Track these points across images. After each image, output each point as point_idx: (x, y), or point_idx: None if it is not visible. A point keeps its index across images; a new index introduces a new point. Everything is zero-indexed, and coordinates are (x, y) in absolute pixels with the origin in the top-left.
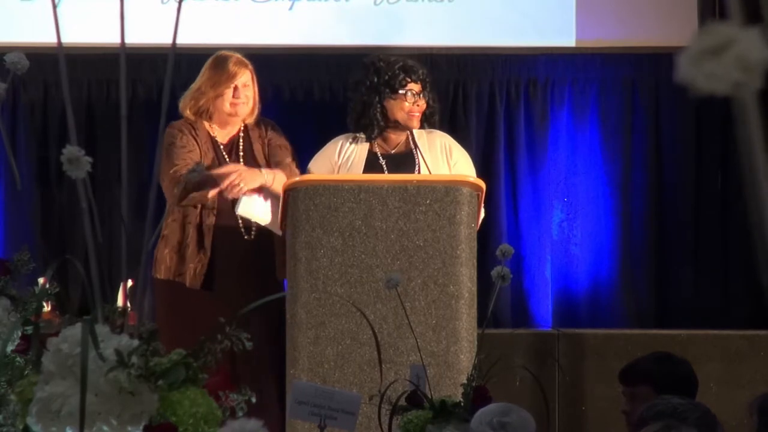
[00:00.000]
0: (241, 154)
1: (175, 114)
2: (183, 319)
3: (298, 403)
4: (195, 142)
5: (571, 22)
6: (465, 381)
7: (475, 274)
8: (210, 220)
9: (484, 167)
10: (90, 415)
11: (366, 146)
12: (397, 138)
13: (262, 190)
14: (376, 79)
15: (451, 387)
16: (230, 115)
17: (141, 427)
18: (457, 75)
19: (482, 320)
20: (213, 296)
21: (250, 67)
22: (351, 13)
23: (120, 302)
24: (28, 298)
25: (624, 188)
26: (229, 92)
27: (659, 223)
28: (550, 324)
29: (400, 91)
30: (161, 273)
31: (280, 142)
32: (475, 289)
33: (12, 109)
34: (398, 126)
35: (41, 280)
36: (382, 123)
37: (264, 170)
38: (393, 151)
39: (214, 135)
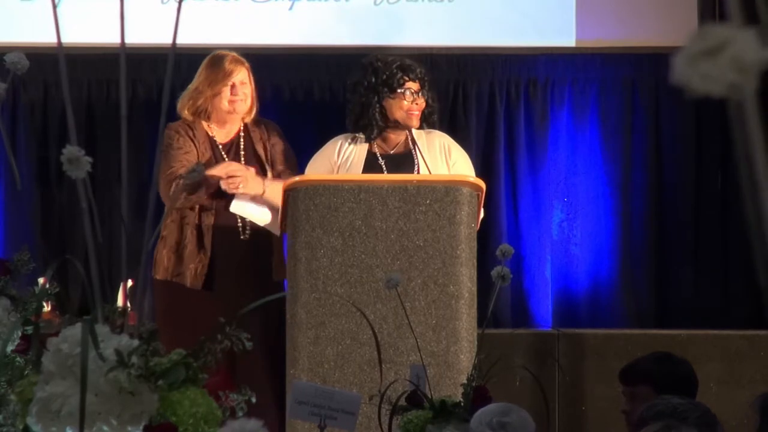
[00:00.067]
0: (242, 153)
1: (175, 114)
2: (182, 319)
3: (298, 403)
4: (192, 143)
5: (571, 22)
6: (465, 381)
7: (475, 274)
8: (209, 220)
9: (484, 167)
10: (90, 415)
11: (365, 146)
12: (397, 138)
13: (256, 197)
14: (374, 80)
15: (451, 387)
16: (229, 113)
17: (141, 427)
18: (457, 75)
19: (482, 320)
20: (212, 296)
21: (246, 64)
22: (351, 13)
23: (120, 302)
24: (28, 298)
25: (624, 188)
26: (226, 90)
27: (659, 223)
28: (550, 324)
29: (399, 90)
30: (159, 274)
31: (282, 148)
32: (475, 289)
33: (12, 109)
34: (398, 126)
35: (41, 280)
36: (381, 123)
37: (267, 182)
38: (392, 152)
39: (213, 135)
